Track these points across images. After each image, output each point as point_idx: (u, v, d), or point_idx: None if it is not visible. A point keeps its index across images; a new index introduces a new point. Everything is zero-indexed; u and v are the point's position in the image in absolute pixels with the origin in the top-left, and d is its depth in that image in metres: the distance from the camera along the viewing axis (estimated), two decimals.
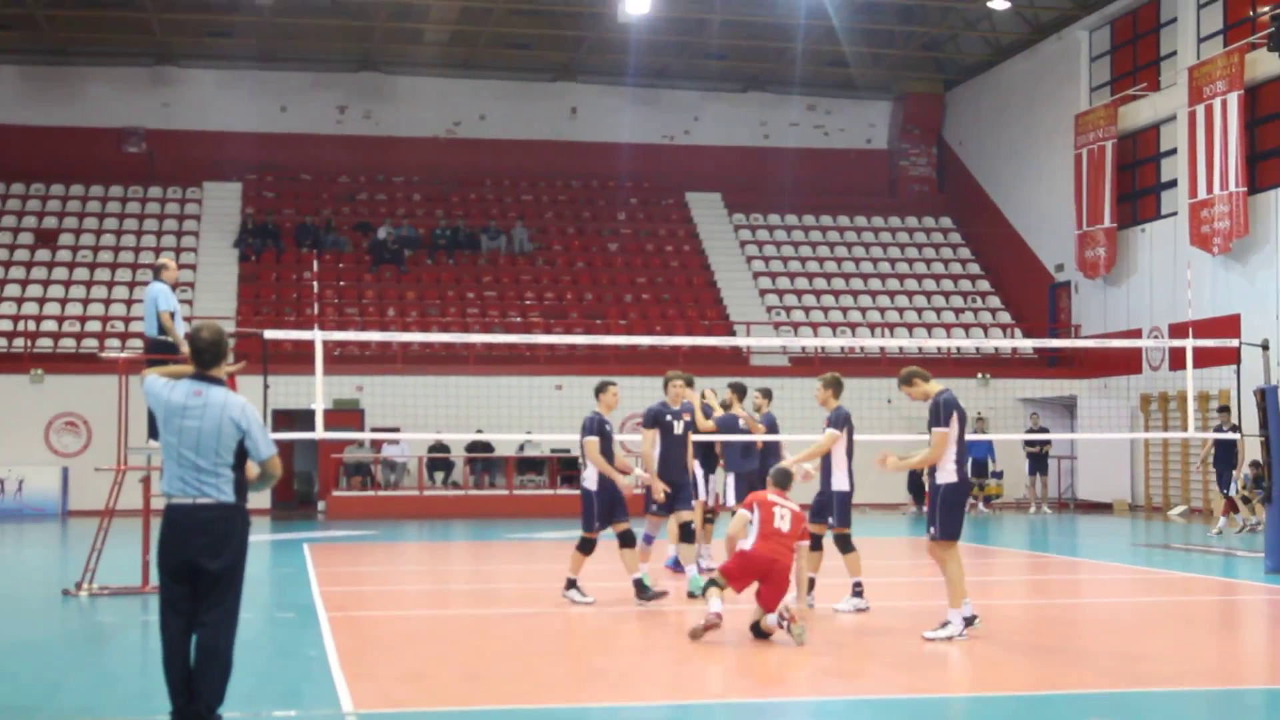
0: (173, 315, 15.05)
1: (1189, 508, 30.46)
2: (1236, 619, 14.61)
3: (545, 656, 11.27)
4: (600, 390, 14.33)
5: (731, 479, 16.84)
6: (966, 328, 37.37)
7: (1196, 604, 15.50)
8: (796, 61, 40.37)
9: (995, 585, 16.99)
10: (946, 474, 11.57)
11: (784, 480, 12.19)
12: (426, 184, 41.41)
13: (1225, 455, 24.55)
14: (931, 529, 11.78)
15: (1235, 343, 19.62)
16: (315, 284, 31.43)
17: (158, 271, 15.43)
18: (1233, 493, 24.51)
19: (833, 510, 13.41)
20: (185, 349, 14.98)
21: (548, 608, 13.98)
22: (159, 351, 15.15)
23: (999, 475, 33.41)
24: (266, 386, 15.93)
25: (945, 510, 11.59)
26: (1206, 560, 20.02)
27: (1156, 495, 32.13)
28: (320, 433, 16.31)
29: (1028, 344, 21.82)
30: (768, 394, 17.13)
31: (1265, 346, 17.80)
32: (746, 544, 11.69)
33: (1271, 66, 28.71)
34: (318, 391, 15.84)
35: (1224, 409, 25.62)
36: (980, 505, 32.42)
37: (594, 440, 13.87)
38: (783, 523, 11.71)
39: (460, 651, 11.55)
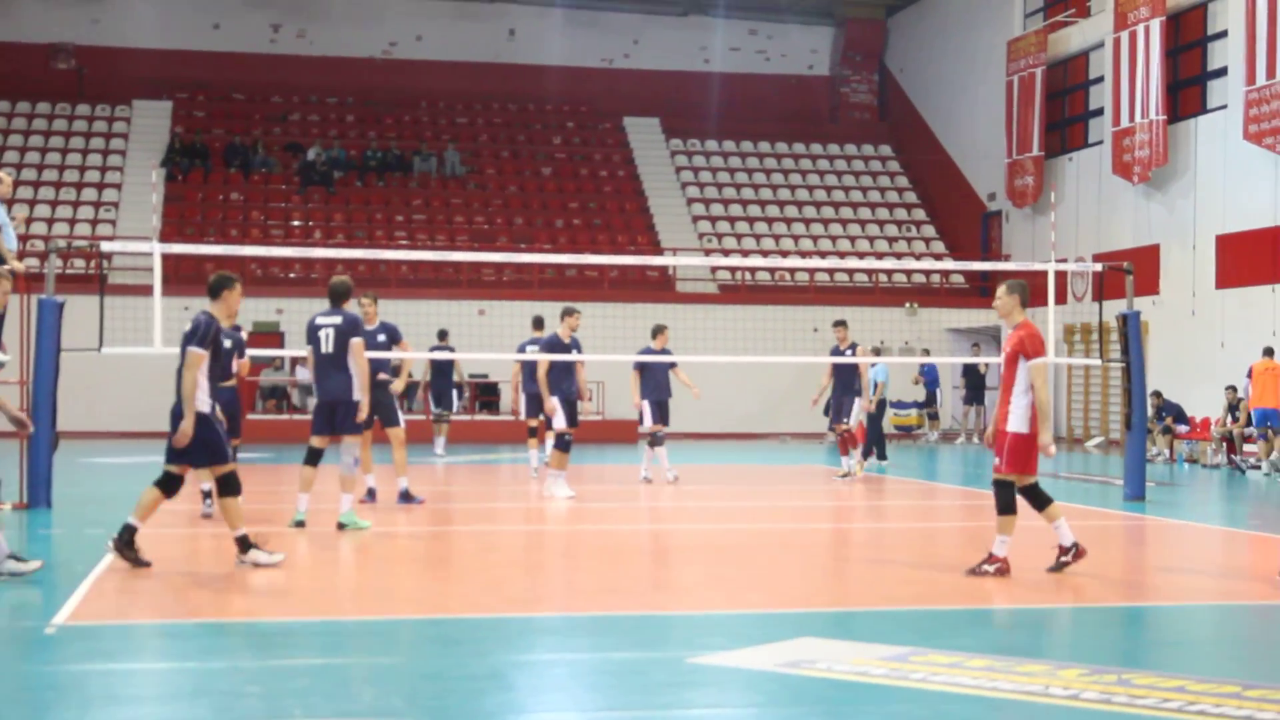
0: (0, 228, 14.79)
1: (1106, 439, 30.38)
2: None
3: None
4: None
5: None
6: (898, 256, 37.12)
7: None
8: None
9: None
10: None
11: None
12: (360, 105, 40.94)
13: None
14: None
15: (1097, 267, 19.53)
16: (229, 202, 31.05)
17: None
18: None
19: None
20: (12, 261, 14.78)
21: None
22: None
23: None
24: (103, 301, 15.75)
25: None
26: (1082, 489, 19.97)
27: (1078, 427, 32.05)
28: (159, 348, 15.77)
29: (951, 268, 21.72)
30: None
31: (1128, 270, 17.61)
32: None
33: None
34: (156, 312, 15.57)
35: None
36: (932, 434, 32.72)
37: None
38: None
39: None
